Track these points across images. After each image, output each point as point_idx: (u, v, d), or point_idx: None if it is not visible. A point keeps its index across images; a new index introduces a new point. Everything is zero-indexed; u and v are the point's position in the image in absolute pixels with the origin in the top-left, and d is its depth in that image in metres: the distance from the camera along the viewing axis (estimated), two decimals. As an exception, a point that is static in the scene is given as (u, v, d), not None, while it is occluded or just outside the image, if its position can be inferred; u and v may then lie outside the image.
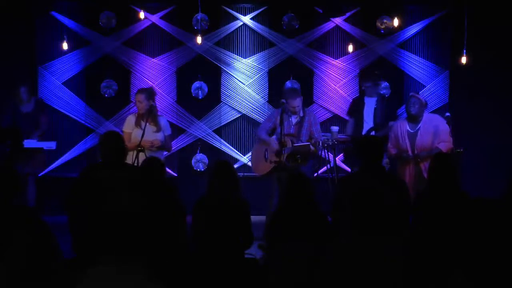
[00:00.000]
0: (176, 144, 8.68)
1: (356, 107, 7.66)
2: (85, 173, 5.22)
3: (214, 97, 8.81)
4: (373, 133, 7.42)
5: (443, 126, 6.79)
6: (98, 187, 4.88)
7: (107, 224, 2.43)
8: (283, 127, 6.67)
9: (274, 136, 6.94)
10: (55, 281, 3.71)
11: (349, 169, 8.24)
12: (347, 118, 8.02)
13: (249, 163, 7.88)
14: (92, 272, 2.44)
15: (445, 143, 6.72)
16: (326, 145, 7.04)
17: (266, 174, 6.94)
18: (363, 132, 7.45)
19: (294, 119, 6.94)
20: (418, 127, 6.81)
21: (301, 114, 6.93)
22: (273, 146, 6.84)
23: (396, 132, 6.91)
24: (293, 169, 6.54)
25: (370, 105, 7.55)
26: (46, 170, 8.24)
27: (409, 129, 6.85)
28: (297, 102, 6.83)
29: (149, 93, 6.91)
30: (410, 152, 6.72)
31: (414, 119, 6.83)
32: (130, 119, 6.96)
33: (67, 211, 5.12)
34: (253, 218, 5.06)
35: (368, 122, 7.51)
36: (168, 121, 7.28)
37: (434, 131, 6.75)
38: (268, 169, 6.88)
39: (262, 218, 6.93)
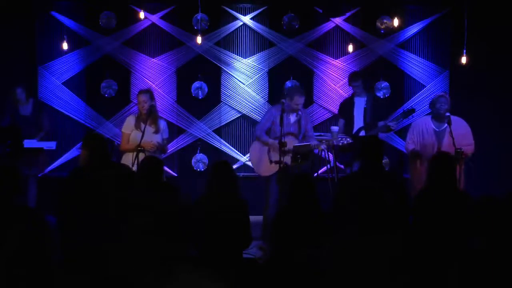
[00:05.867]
0: (176, 144, 8.68)
1: (346, 108, 7.66)
2: (73, 175, 5.17)
3: (214, 97, 8.81)
4: (362, 132, 7.41)
5: (468, 129, 6.92)
6: (88, 188, 4.86)
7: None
8: (283, 127, 6.62)
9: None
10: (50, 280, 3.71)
11: (344, 167, 8.20)
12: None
13: (249, 163, 7.83)
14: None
15: (470, 146, 6.84)
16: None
17: (271, 175, 6.87)
18: (353, 132, 7.45)
19: (292, 118, 6.93)
20: (444, 126, 6.83)
21: (300, 113, 6.93)
22: (276, 147, 6.76)
23: (419, 128, 6.93)
24: (296, 169, 6.55)
25: (359, 105, 7.55)
26: (46, 170, 8.24)
27: (435, 127, 6.89)
28: (302, 100, 6.86)
29: (151, 93, 6.99)
30: (435, 150, 6.65)
31: (440, 119, 6.85)
32: (130, 121, 7.00)
33: (57, 213, 5.06)
34: (252, 218, 5.06)
35: (358, 122, 7.50)
36: (167, 123, 7.30)
37: (463, 133, 6.84)
38: (273, 170, 6.78)
39: (260, 218, 6.93)
